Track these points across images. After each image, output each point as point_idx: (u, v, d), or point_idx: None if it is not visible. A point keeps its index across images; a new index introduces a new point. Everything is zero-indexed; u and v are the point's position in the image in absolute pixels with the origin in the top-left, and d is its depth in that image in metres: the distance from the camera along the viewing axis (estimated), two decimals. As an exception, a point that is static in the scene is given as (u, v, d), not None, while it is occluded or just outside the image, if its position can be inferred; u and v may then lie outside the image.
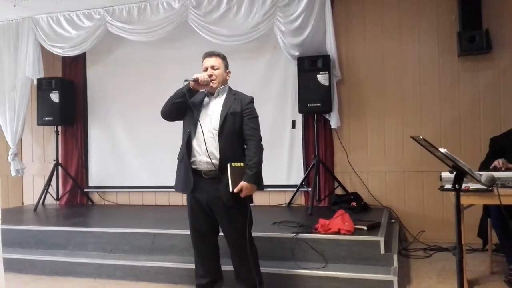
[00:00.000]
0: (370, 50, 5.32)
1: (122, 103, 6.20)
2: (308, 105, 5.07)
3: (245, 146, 3.02)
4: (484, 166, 3.72)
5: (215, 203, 2.95)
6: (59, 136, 6.32)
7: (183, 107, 3.00)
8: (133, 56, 6.13)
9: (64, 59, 6.36)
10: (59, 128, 6.32)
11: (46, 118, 6.07)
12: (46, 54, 6.19)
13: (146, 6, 5.63)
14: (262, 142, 3.02)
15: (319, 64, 5.05)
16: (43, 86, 6.08)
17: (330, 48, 5.16)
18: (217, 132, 2.92)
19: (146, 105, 6.00)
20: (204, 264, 3.10)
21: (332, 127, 5.23)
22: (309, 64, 5.09)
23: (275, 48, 5.49)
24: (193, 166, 2.95)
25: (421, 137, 2.24)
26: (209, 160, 2.89)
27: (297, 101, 5.18)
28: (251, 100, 3.09)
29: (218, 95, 3.06)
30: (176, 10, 5.51)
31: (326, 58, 5.07)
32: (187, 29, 5.53)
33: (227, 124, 2.94)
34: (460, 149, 4.90)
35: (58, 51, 5.99)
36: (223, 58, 3.11)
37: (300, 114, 5.39)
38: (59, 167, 6.24)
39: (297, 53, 5.17)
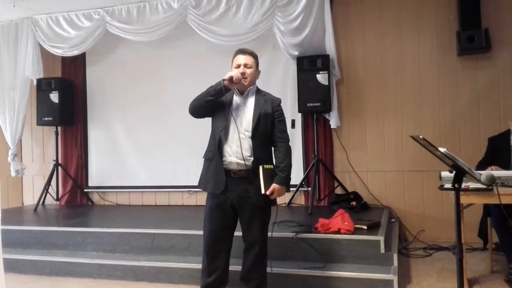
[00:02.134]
0: (369, 49, 5.32)
1: (122, 103, 6.20)
2: (308, 104, 5.07)
3: (273, 148, 3.01)
4: (480, 166, 3.73)
5: (243, 204, 2.91)
6: (59, 136, 6.32)
7: (214, 105, 2.95)
8: (132, 56, 6.13)
9: (64, 59, 6.36)
10: (59, 128, 6.32)
11: (46, 119, 6.07)
12: (45, 55, 6.19)
13: (145, 6, 5.64)
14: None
15: (318, 64, 5.06)
16: (42, 87, 6.08)
17: (330, 47, 5.17)
18: (250, 133, 2.89)
19: (145, 105, 6.02)
20: (214, 263, 3.00)
21: (331, 127, 5.24)
22: (309, 64, 5.10)
23: (274, 48, 5.49)
24: (223, 166, 2.90)
25: (421, 136, 2.24)
26: (239, 161, 2.86)
27: (297, 101, 5.18)
28: (280, 101, 3.08)
29: (248, 95, 3.02)
30: (175, 10, 5.51)
31: (325, 58, 5.07)
32: (186, 29, 5.53)
33: (259, 126, 2.91)
34: (459, 148, 4.91)
35: (58, 52, 6.00)
36: (256, 57, 3.05)
37: (300, 114, 5.39)
38: (59, 168, 6.24)
39: (296, 53, 5.18)
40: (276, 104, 3.03)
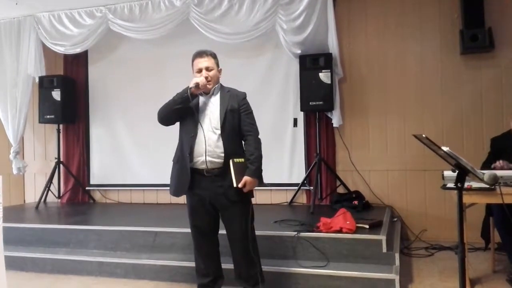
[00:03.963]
0: (372, 48, 5.30)
1: (124, 101, 6.20)
2: (310, 103, 5.06)
3: (242, 141, 3.03)
4: (485, 166, 3.71)
5: (219, 200, 2.95)
6: (61, 134, 6.32)
7: (183, 111, 2.98)
8: (134, 54, 6.13)
9: (66, 57, 6.35)
10: (61, 126, 6.32)
11: (48, 116, 6.06)
12: (47, 52, 6.18)
13: (147, 4, 5.63)
14: (260, 138, 3.06)
15: (321, 62, 5.04)
16: (44, 84, 6.07)
17: (332, 46, 5.15)
18: (219, 130, 2.93)
19: (147, 103, 5.98)
20: (206, 262, 3.10)
21: (334, 125, 5.23)
22: (311, 62, 5.08)
23: (276, 46, 5.47)
24: (195, 167, 2.94)
25: (424, 135, 2.23)
26: (213, 159, 2.89)
27: (299, 99, 5.17)
28: (245, 95, 3.11)
29: (212, 94, 3.05)
30: (177, 8, 5.50)
31: (328, 56, 5.06)
32: (188, 27, 5.52)
33: (227, 122, 2.95)
34: (462, 148, 4.89)
35: (60, 49, 6.00)
36: (215, 56, 3.08)
37: (302, 112, 5.37)
38: (61, 165, 6.24)
39: (299, 51, 5.16)
40: (241, 99, 3.06)
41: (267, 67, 5.60)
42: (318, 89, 5.01)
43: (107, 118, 6.29)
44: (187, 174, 2.94)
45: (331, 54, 5.09)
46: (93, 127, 6.39)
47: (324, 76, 5.01)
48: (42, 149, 6.67)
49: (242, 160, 2.94)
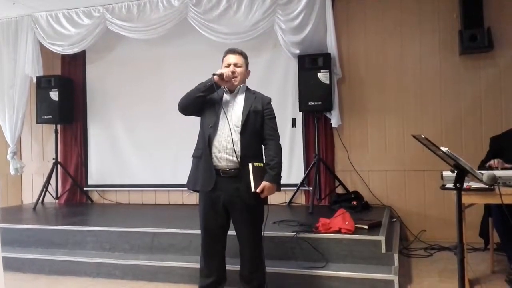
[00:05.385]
0: (371, 48, 5.30)
1: (122, 101, 6.18)
2: (309, 103, 5.05)
3: (263, 145, 3.00)
4: (483, 165, 3.71)
5: (234, 203, 2.90)
6: (59, 135, 6.30)
7: (204, 102, 2.95)
8: (132, 54, 6.11)
9: (64, 57, 6.33)
10: (58, 126, 6.30)
11: (45, 117, 6.04)
12: (45, 52, 6.16)
13: (145, 3, 5.61)
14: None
15: (319, 62, 5.03)
16: (42, 84, 6.05)
17: (331, 46, 5.14)
18: (239, 129, 2.89)
19: (146, 103, 6.00)
20: (211, 263, 3.02)
21: (332, 126, 5.21)
22: (310, 62, 5.07)
23: (275, 46, 5.47)
24: (213, 163, 2.90)
25: (423, 135, 2.22)
26: (229, 157, 2.85)
27: (298, 100, 5.16)
28: (270, 100, 3.08)
29: (238, 93, 3.02)
30: (176, 7, 5.48)
31: (326, 56, 5.05)
32: (187, 27, 5.51)
33: (249, 122, 2.91)
34: (461, 148, 4.88)
35: (58, 49, 5.98)
36: (245, 56, 3.06)
37: (301, 113, 5.37)
38: (59, 166, 6.22)
39: (297, 51, 5.16)
40: (266, 102, 3.03)
41: (266, 67, 5.58)
42: (317, 89, 5.00)
43: (105, 118, 6.27)
44: (211, 171, 2.88)
45: (329, 54, 5.08)
46: (91, 128, 6.37)
47: (322, 76, 5.00)
48: (39, 149, 6.64)
49: (261, 164, 2.90)
